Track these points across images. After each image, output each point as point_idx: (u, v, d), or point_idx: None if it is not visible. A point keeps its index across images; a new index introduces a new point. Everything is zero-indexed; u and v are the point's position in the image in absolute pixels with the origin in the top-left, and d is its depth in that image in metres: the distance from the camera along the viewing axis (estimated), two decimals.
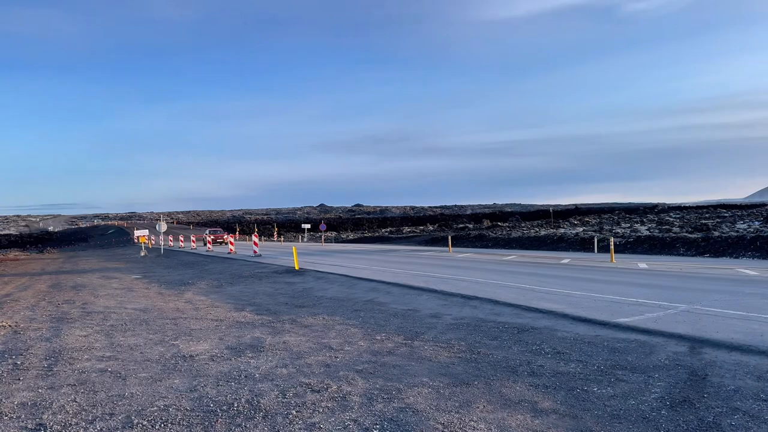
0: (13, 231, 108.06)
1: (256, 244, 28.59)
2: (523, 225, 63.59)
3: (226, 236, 38.73)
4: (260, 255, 27.50)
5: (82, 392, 5.50)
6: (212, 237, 41.95)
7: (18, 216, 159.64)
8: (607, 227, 42.86)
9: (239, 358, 6.89)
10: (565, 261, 20.53)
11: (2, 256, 44.11)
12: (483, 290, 12.27)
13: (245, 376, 6.02)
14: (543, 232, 39.86)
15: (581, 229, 40.88)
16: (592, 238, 30.23)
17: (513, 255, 25.08)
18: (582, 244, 30.28)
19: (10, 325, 9.54)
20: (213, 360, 6.84)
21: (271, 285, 15.47)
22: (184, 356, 7.06)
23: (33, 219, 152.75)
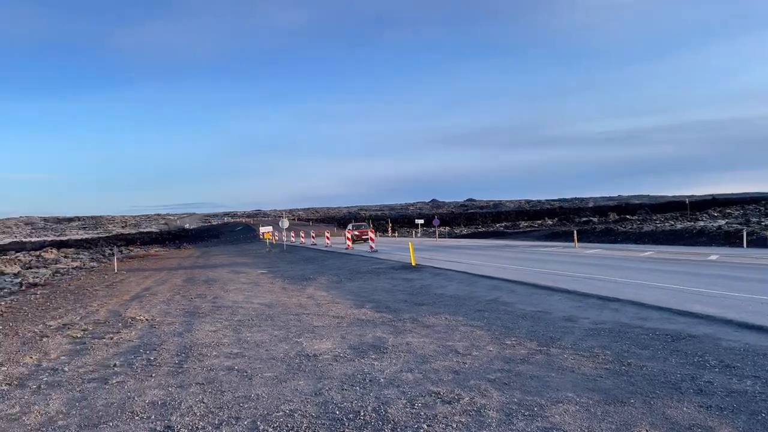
0: (154, 228, 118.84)
1: (372, 240, 28.77)
2: (654, 218, 58.95)
3: (370, 232, 34.62)
4: (376, 250, 27.61)
5: (209, 392, 5.44)
6: (357, 233, 39.11)
7: (158, 215, 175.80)
8: (754, 219, 38.34)
9: (362, 360, 6.58)
10: (713, 257, 18.38)
11: (145, 251, 48.38)
12: (622, 291, 11.11)
13: (370, 380, 5.67)
14: (679, 225, 36.46)
15: (723, 222, 36.89)
16: (739, 231, 27.03)
17: (649, 251, 23.01)
18: (726, 238, 27.19)
19: (147, 319, 10.04)
20: (336, 360, 6.59)
21: (389, 281, 15.25)
22: (308, 355, 6.88)
23: (171, 217, 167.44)
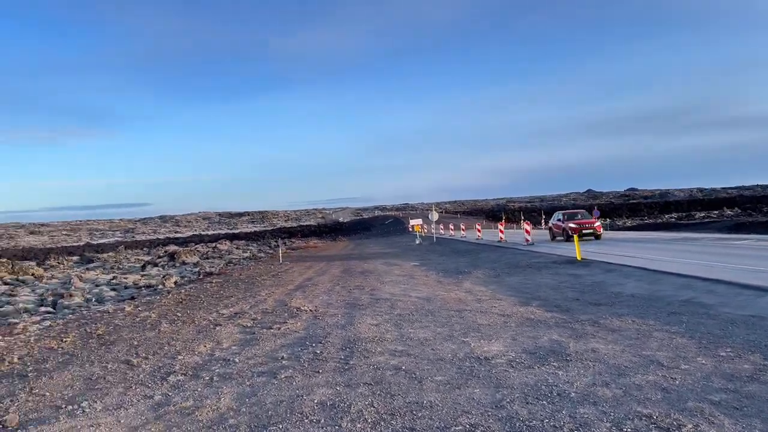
0: (312, 222, 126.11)
1: (528, 232, 27.31)
2: None
3: (596, 223, 26.33)
4: (532, 243, 26.13)
5: (379, 395, 4.99)
6: (574, 224, 26.35)
7: (316, 209, 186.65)
8: None
9: (543, 367, 5.75)
10: None
11: (305, 243, 51.14)
12: None
13: (557, 394, 4.84)
14: None
15: None
16: None
17: None
18: None
19: (311, 310, 10.06)
20: (512, 366, 5.84)
21: (552, 276, 14.05)
22: (479, 358, 6.21)
23: (327, 211, 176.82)
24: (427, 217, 42.27)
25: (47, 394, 5.47)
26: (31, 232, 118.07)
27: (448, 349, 6.72)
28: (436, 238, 39.81)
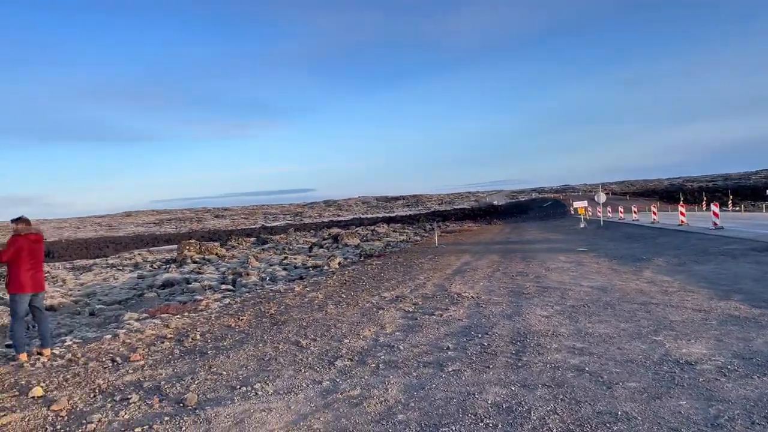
0: (465, 205, 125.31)
1: (716, 215, 24.10)
2: None
3: None
4: (722, 227, 23.00)
5: (561, 400, 4.38)
6: None
7: (469, 192, 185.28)
8: None
9: (765, 378, 4.69)
10: None
11: (459, 227, 50.75)
12: None
13: None
14: None
15: None
16: None
17: None
18: None
19: (472, 297, 9.60)
20: (724, 375, 4.85)
21: (754, 266, 12.03)
22: (678, 362, 5.27)
23: (480, 194, 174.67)
24: (593, 199, 39.46)
25: (224, 373, 5.66)
26: (216, 216, 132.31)
27: (637, 349, 5.85)
28: (603, 221, 37.01)
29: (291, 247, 37.73)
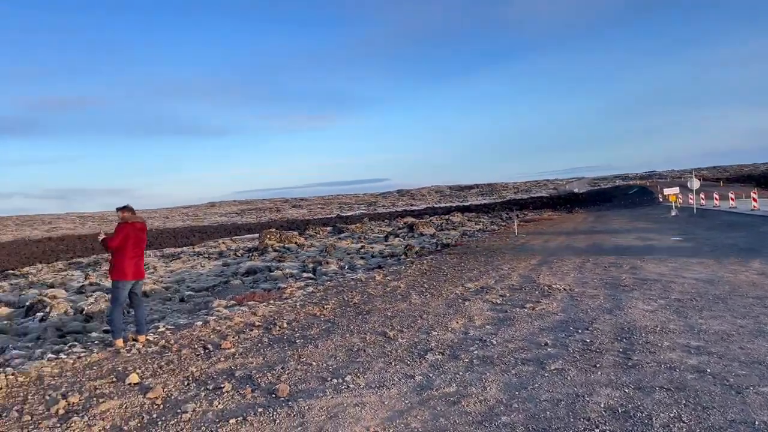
0: (543, 193, 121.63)
1: None
2: None
3: None
4: None
5: (685, 405, 3.92)
6: None
7: (547, 180, 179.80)
8: None
9: None
10: None
11: (538, 216, 49.18)
12: None
13: None
14: None
15: None
16: None
17: None
18: None
19: (564, 289, 9.08)
20: None
21: None
22: None
23: (559, 182, 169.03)
24: (685, 186, 37.07)
25: (313, 363, 5.55)
26: (293, 206, 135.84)
27: (762, 348, 5.22)
28: (697, 209, 34.66)
29: (367, 236, 37.93)
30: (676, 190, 34.21)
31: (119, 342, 6.84)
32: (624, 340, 5.74)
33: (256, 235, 46.34)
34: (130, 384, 5.13)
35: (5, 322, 12.12)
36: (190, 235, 61.97)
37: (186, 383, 5.14)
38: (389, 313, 7.85)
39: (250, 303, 9.46)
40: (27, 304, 14.01)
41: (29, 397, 4.86)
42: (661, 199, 48.47)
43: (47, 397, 4.82)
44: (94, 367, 5.79)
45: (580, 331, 6.20)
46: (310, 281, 13.88)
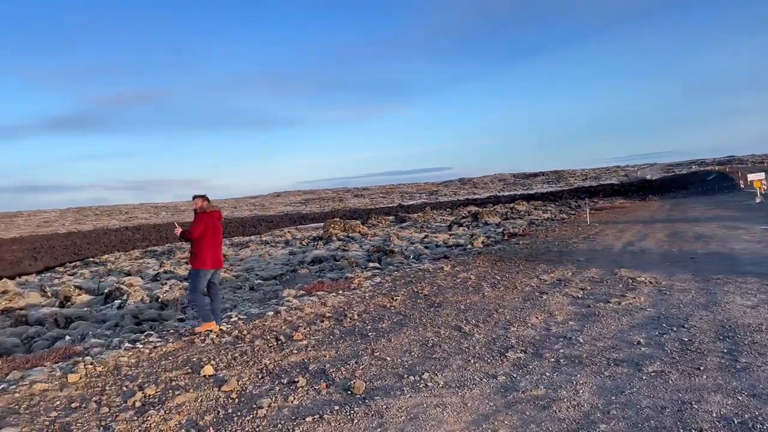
0: (614, 180, 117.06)
1: None
2: None
3: None
4: None
5: None
6: None
7: (617, 167, 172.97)
8: None
9: None
10: None
11: (609, 203, 47.24)
12: None
13: None
14: None
15: None
16: None
17: None
18: None
19: (650, 282, 8.48)
20: None
21: None
22: None
23: (630, 168, 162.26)
24: None
25: (388, 358, 5.35)
26: (355, 196, 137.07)
27: None
28: None
29: (429, 225, 37.57)
30: (761, 175, 31.95)
31: (211, 325, 6.87)
32: (727, 339, 5.22)
33: (320, 224, 46.94)
34: (204, 376, 5.10)
35: (85, 309, 12.68)
36: (257, 224, 63.52)
37: (260, 376, 5.06)
38: (462, 306, 7.55)
39: (319, 293, 9.39)
40: (105, 291, 14.62)
41: (107, 387, 4.90)
42: (743, 186, 45.49)
43: (124, 389, 4.85)
44: (170, 358, 5.82)
45: (675, 328, 5.70)
46: (377, 271, 13.75)
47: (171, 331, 7.36)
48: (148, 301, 12.82)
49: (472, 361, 5.09)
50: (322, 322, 7.13)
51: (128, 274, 23.95)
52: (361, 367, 5.09)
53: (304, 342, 6.16)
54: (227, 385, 4.75)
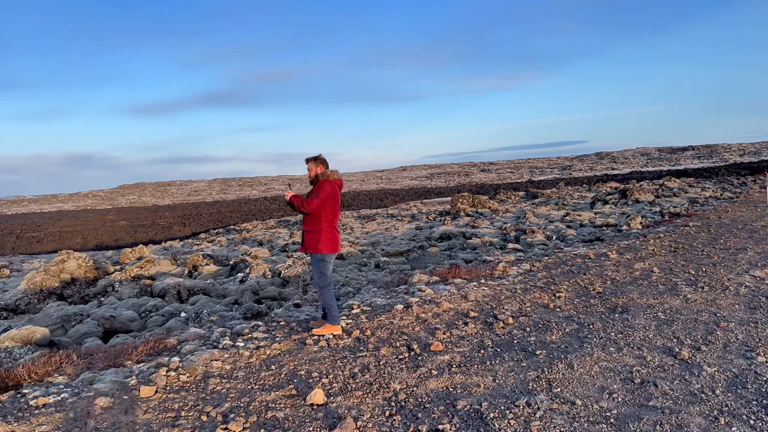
0: None
1: None
2: None
3: None
4: None
5: None
6: None
7: None
8: None
9: None
10: None
11: None
12: None
13: None
14: None
15: None
16: None
17: None
18: None
19: None
20: None
21: None
22: None
23: None
24: None
25: (577, 402, 3.55)
26: (482, 170, 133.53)
27: None
28: None
29: (566, 203, 34.38)
30: None
31: (336, 329, 5.39)
32: None
33: (446, 198, 45.28)
34: (312, 405, 3.65)
35: (209, 281, 12.16)
36: (384, 197, 63.41)
37: (387, 413, 3.51)
38: (661, 314, 5.49)
39: (456, 281, 7.74)
40: (231, 262, 14.14)
41: (182, 413, 3.63)
42: None
43: (203, 418, 3.54)
44: (272, 366, 4.47)
45: None
46: (520, 254, 11.79)
47: (282, 322, 6.07)
48: (270, 276, 12.00)
49: (721, 419, 3.16)
50: (466, 325, 5.45)
51: (260, 243, 24.04)
52: (537, 416, 3.35)
53: (446, 356, 4.53)
54: (341, 427, 3.26)
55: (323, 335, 5.26)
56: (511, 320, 5.51)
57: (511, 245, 14.23)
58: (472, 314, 5.81)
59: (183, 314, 9.18)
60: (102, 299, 11.66)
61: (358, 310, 6.27)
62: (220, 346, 5.00)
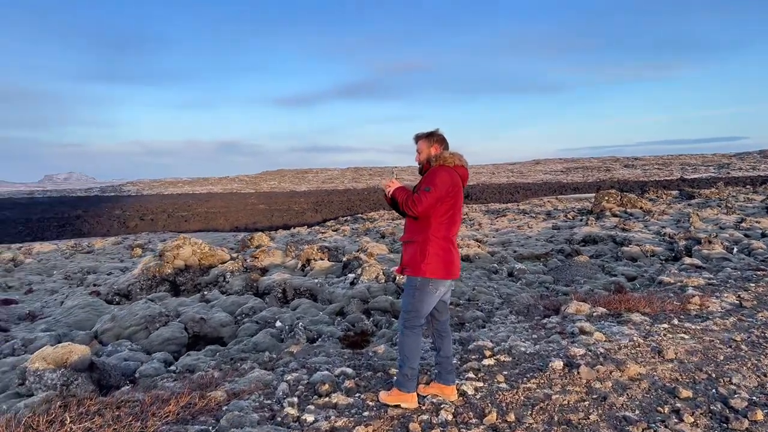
0: None
1: None
2: None
3: None
4: None
5: None
6: None
7: None
8: None
9: None
10: None
11: None
12: None
13: None
14: None
15: None
16: None
17: None
18: None
19: None
20: None
21: None
22: None
23: None
24: None
25: None
26: (625, 166, 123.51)
27: None
28: None
29: (730, 205, 29.26)
30: None
31: (409, 399, 3.49)
32: None
33: (585, 195, 41.28)
34: None
35: (317, 280, 10.77)
36: (515, 191, 60.08)
37: None
38: None
39: (633, 317, 5.43)
40: (344, 259, 12.74)
41: None
42: None
43: None
44: None
45: None
46: (707, 275, 8.97)
47: (379, 371, 4.22)
48: (383, 281, 10.34)
49: None
50: (678, 415, 3.23)
51: (383, 236, 22.76)
52: None
53: None
54: None
55: (434, 403, 3.33)
56: (759, 415, 3.20)
57: (688, 260, 11.28)
58: (683, 393, 3.56)
59: (278, 323, 7.77)
60: (205, 293, 10.74)
61: (492, 361, 4.24)
62: (278, 419, 3.26)
